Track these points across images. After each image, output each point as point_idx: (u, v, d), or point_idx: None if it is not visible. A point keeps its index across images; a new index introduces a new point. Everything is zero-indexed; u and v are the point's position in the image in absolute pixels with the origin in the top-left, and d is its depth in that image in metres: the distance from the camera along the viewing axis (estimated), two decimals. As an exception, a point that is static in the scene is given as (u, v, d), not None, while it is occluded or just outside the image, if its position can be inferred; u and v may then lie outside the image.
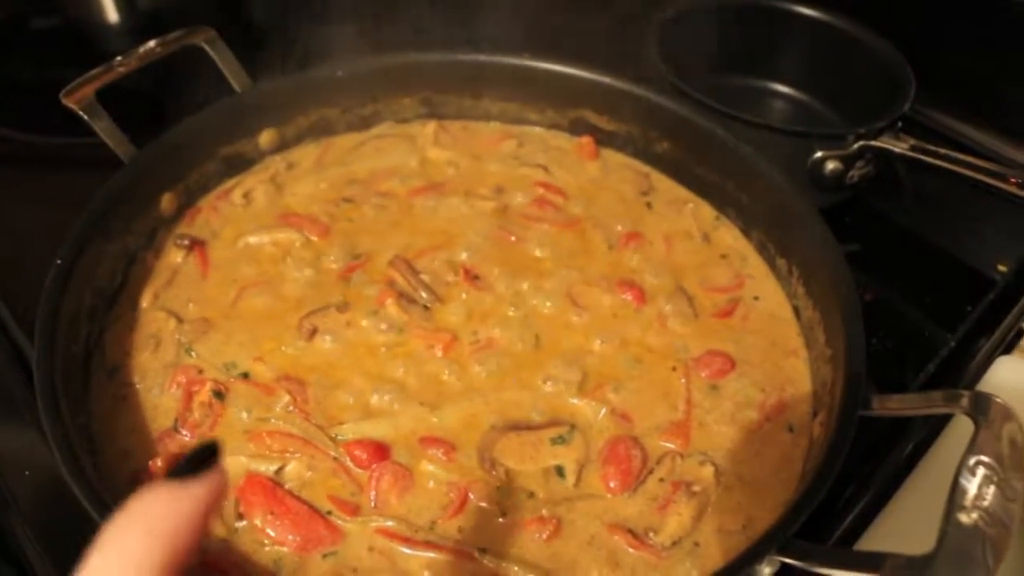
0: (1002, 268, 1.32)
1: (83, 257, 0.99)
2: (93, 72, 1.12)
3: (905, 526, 0.94)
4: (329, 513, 0.88)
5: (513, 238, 1.17)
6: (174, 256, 1.13)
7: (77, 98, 1.09)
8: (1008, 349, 1.18)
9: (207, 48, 1.20)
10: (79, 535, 0.91)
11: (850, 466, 0.83)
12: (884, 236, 1.40)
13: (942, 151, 1.26)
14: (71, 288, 0.96)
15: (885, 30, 1.43)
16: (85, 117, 1.09)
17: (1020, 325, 1.21)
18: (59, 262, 0.96)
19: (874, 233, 1.38)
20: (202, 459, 0.51)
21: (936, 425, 1.05)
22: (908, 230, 1.41)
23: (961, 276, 1.34)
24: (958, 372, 1.16)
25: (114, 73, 1.13)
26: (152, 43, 1.17)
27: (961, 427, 1.00)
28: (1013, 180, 1.21)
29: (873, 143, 1.28)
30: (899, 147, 1.28)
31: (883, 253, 1.35)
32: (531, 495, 0.91)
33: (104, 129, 1.10)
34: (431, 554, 0.85)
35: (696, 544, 0.88)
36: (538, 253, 1.15)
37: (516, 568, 0.84)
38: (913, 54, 1.39)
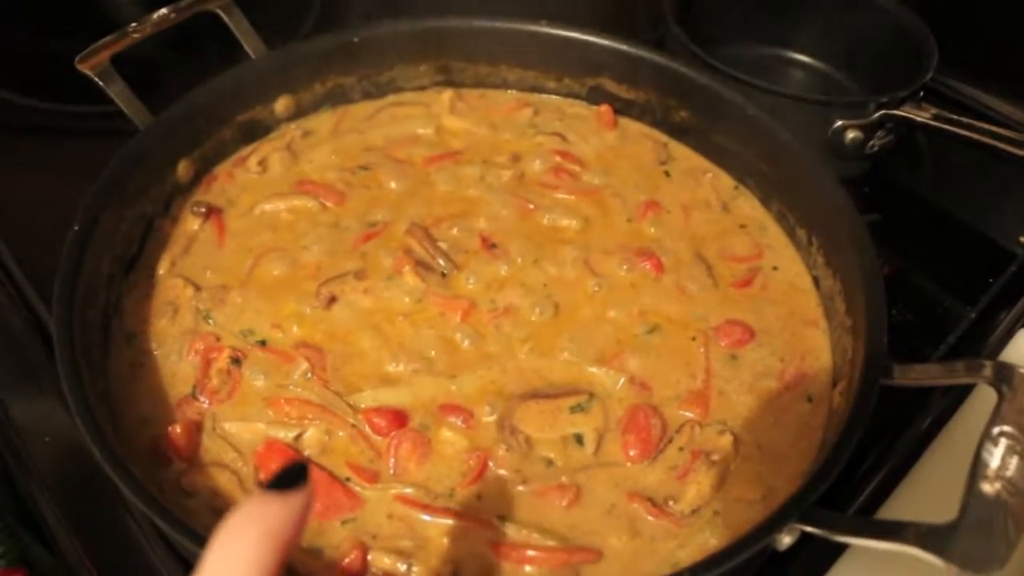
0: (1024, 240, 1.31)
1: (100, 223, 0.99)
2: (108, 38, 1.11)
3: (926, 496, 0.94)
4: (348, 480, 0.89)
5: (531, 206, 1.16)
6: (191, 223, 1.12)
7: (92, 64, 1.09)
8: (1029, 322, 1.17)
9: (222, 14, 1.19)
10: (99, 501, 0.94)
11: (870, 436, 0.83)
12: (904, 207, 1.38)
13: (964, 120, 1.25)
14: (88, 254, 0.96)
15: (906, -2, 1.41)
16: (100, 83, 1.09)
17: (1041, 297, 1.20)
18: (76, 228, 0.96)
19: (894, 204, 1.37)
20: (295, 475, 0.55)
21: (957, 396, 1.04)
22: (929, 201, 1.39)
23: (982, 248, 1.32)
24: (978, 345, 1.15)
25: (129, 39, 1.12)
26: (166, 9, 1.16)
27: (983, 398, 1.00)
28: (1036, 149, 1.20)
29: (895, 112, 1.27)
30: (921, 116, 1.26)
31: (903, 224, 1.34)
32: (550, 463, 0.90)
33: (119, 95, 1.09)
34: (450, 521, 0.86)
35: (715, 513, 0.88)
36: (556, 222, 1.15)
37: (536, 535, 0.84)
38: (935, 22, 1.36)
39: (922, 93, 1.29)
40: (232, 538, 0.51)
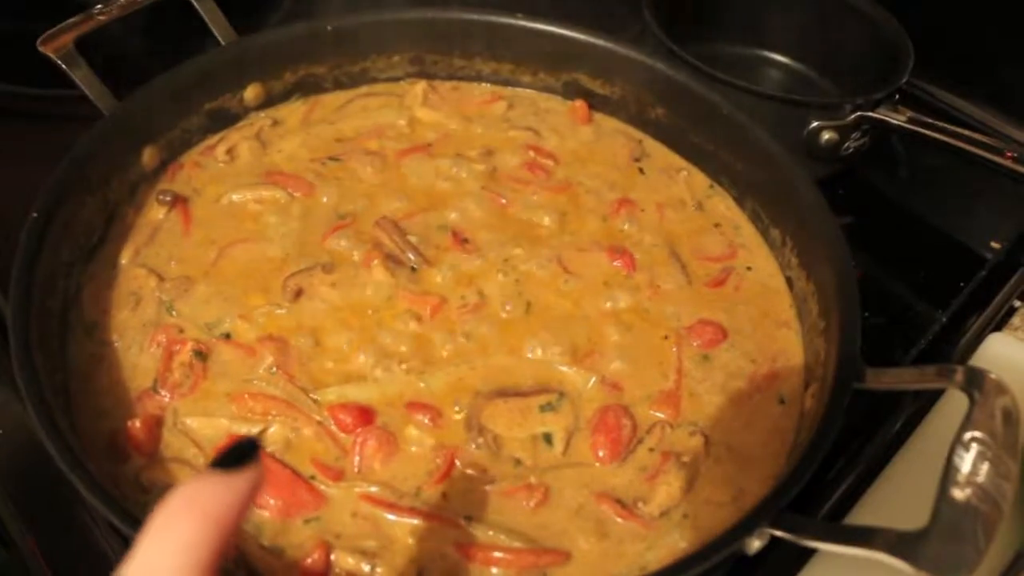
0: (995, 245, 1.31)
1: (61, 210, 0.96)
2: (72, 20, 1.09)
3: (896, 501, 0.93)
4: (312, 478, 0.87)
5: (503, 201, 1.14)
6: (155, 212, 1.10)
7: (55, 46, 1.06)
8: (999, 326, 1.17)
9: (191, -1, 1.17)
10: (55, 496, 0.91)
11: (840, 440, 0.82)
12: (877, 210, 1.39)
13: (939, 124, 1.25)
14: (48, 242, 0.93)
15: (884, 1, 1.41)
16: (64, 66, 1.06)
17: (1012, 302, 1.20)
18: (35, 214, 0.93)
19: (867, 206, 1.37)
20: (243, 453, 0.54)
21: (928, 400, 1.04)
22: (902, 204, 1.40)
23: (954, 252, 1.33)
24: (949, 349, 1.15)
25: (94, 22, 1.10)
26: (134, -9, 1.14)
27: (953, 403, 1.00)
28: (1009, 155, 1.20)
29: (870, 114, 1.26)
30: (897, 119, 1.26)
31: (876, 227, 1.34)
32: (518, 462, 0.89)
33: (83, 79, 1.07)
34: (416, 521, 0.84)
35: (685, 515, 0.86)
36: (528, 217, 1.13)
37: (502, 536, 0.83)
38: (911, 27, 1.36)
39: (898, 96, 1.29)
40: (169, 521, 0.50)
